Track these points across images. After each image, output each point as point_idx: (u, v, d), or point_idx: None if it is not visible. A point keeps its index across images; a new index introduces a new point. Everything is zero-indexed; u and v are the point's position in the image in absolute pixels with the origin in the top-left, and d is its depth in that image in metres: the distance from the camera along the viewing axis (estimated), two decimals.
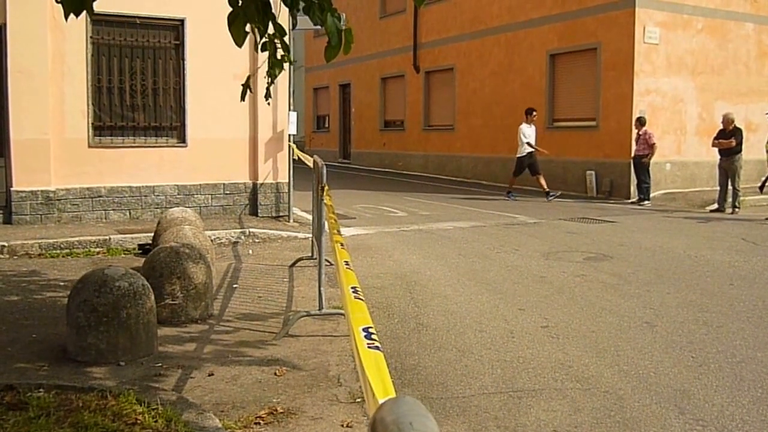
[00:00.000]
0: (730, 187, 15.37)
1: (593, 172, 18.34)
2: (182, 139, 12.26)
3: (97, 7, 3.72)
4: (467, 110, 23.23)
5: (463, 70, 23.41)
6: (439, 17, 24.40)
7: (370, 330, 2.24)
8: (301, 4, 3.99)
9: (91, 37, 11.42)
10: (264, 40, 4.44)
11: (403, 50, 26.22)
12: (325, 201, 6.40)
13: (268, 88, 5.37)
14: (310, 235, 9.81)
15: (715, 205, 15.59)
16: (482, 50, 22.48)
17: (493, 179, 21.75)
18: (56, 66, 11.16)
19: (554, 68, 19.90)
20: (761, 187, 14.80)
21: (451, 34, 23.86)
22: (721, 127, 15.89)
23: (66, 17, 3.53)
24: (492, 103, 22.02)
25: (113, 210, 11.74)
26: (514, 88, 21.12)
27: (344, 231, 11.70)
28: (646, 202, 16.48)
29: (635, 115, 17.10)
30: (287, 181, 12.90)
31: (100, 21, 11.30)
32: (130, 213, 11.85)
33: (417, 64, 25.59)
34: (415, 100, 25.91)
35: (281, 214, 12.89)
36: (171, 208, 10.44)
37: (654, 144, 16.48)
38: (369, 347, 2.07)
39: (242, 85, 5.02)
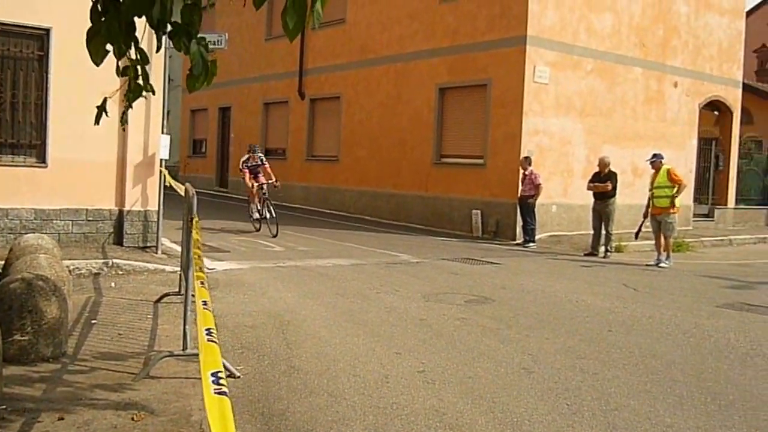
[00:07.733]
0: (603, 231, 16.00)
1: (479, 212, 18.77)
2: (42, 159, 11.87)
3: None
4: (352, 141, 23.49)
5: (350, 99, 23.70)
6: (326, 43, 24.65)
7: (219, 374, 2.27)
8: (169, 27, 3.90)
9: None
10: (126, 65, 4.40)
11: (288, 75, 26.35)
12: (193, 235, 6.36)
13: (124, 113, 5.34)
14: (179, 269, 9.67)
15: (589, 249, 16.18)
16: (370, 80, 22.84)
17: (378, 214, 21.99)
18: None
19: (443, 102, 20.42)
20: (636, 234, 15.55)
21: (338, 62, 24.14)
22: (597, 170, 16.37)
23: None
24: (379, 136, 22.34)
25: None
26: (401, 121, 21.51)
27: (217, 265, 11.63)
28: (532, 244, 16.99)
29: (523, 155, 17.67)
30: (157, 209, 12.65)
31: None
32: None
33: (302, 91, 25.75)
34: (298, 128, 26.00)
35: (149, 244, 12.63)
36: (26, 234, 10.07)
37: (540, 185, 17.01)
38: (215, 392, 2.11)
39: (97, 107, 4.86)
